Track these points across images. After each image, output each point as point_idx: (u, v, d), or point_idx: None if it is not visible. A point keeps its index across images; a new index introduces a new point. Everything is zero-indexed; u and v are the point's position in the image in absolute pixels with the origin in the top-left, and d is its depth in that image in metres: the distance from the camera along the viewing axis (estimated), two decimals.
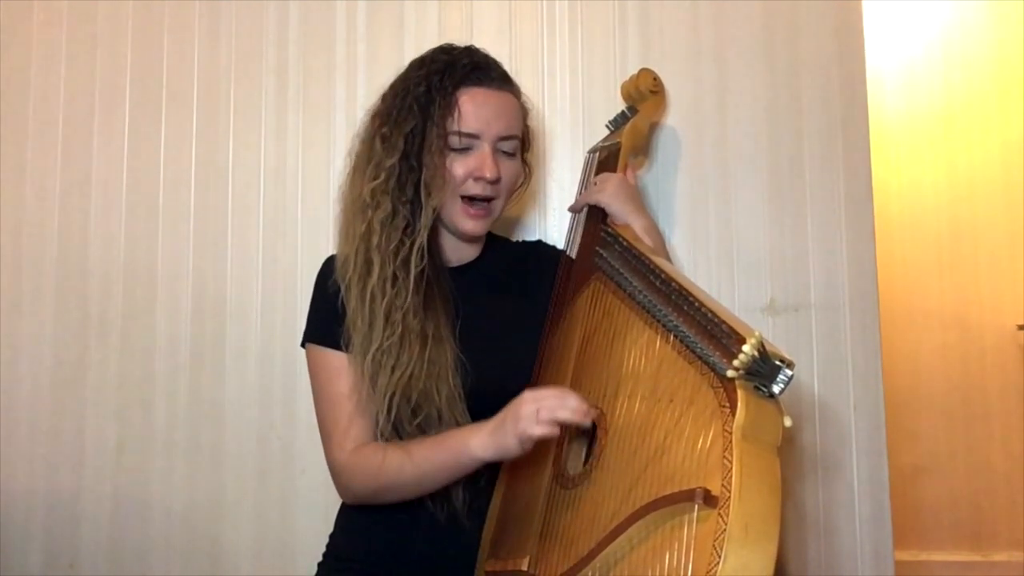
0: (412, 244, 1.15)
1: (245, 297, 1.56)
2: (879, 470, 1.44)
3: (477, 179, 1.18)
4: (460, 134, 1.16)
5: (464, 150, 1.17)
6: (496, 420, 1.03)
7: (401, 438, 1.13)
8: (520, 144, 1.24)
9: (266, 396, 1.54)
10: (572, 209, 1.35)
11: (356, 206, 1.18)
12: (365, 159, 1.19)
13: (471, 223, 1.21)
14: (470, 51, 1.23)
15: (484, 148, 1.17)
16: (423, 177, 1.15)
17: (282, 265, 1.56)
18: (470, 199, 1.19)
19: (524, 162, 1.29)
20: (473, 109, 1.17)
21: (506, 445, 1.00)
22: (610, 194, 1.24)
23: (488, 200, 1.20)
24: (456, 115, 1.16)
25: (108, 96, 1.62)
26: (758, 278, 1.48)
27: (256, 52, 1.60)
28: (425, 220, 1.15)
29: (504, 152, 1.20)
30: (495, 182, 1.18)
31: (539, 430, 0.96)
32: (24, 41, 1.64)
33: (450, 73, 1.18)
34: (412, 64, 1.23)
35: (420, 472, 1.09)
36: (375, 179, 1.16)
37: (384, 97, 1.22)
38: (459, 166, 1.17)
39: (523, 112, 1.25)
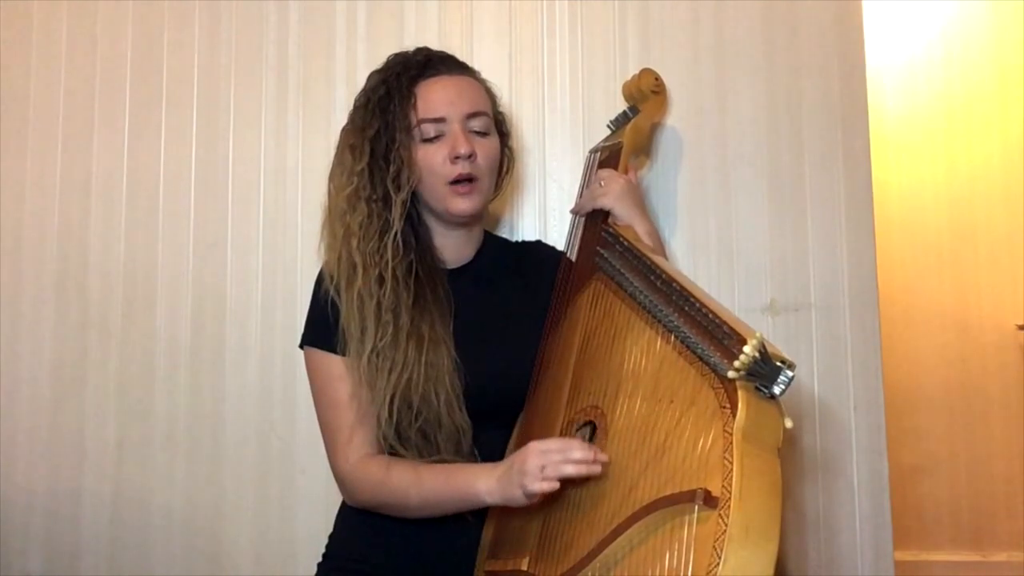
0: (390, 241, 1.16)
1: (245, 297, 1.56)
2: (879, 470, 1.44)
3: (455, 160, 1.18)
4: (427, 121, 1.18)
5: (436, 138, 1.19)
6: (504, 466, 1.04)
7: (402, 444, 1.14)
8: (494, 124, 1.25)
9: (266, 396, 1.54)
10: (575, 211, 1.35)
11: (335, 215, 1.20)
12: (338, 171, 1.22)
13: (462, 201, 1.20)
14: (422, 50, 1.25)
15: (454, 127, 1.19)
16: (390, 173, 1.17)
17: (282, 265, 1.56)
18: (455, 182, 1.19)
19: (507, 147, 1.30)
20: (434, 95, 1.19)
21: (512, 496, 1.01)
22: (615, 196, 1.24)
23: (472, 180, 1.20)
24: (418, 106, 1.18)
25: (108, 96, 1.62)
26: (758, 278, 1.48)
27: (256, 52, 1.60)
28: (396, 212, 1.16)
29: (476, 131, 1.21)
30: (471, 157, 1.18)
31: (542, 487, 0.97)
32: (24, 41, 1.64)
33: (405, 71, 1.20)
34: (370, 75, 1.25)
35: (424, 503, 1.11)
36: (348, 186, 1.19)
37: (350, 113, 1.25)
38: (435, 154, 1.18)
39: (489, 95, 1.26)
